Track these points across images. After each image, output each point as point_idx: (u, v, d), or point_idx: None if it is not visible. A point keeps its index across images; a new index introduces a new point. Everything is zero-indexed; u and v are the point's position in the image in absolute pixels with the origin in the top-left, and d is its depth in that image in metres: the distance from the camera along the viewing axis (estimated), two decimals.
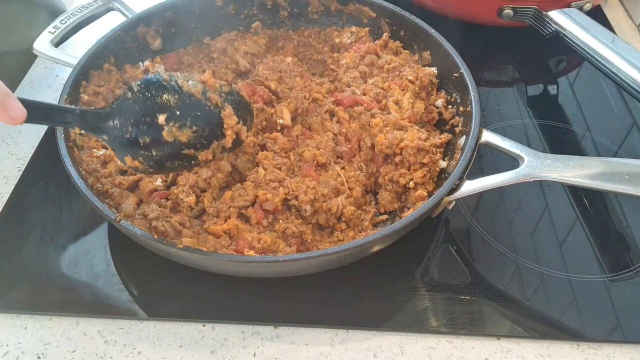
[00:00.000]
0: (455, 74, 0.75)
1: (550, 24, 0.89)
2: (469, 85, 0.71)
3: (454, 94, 0.76)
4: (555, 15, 0.88)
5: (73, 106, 0.53)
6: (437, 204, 0.60)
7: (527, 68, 0.99)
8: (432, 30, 0.80)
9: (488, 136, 0.66)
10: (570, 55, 0.96)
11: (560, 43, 0.87)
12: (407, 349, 0.59)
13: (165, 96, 0.50)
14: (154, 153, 0.51)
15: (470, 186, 0.62)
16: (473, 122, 0.67)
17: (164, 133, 0.50)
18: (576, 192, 0.75)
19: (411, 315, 0.61)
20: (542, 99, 0.93)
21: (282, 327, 0.61)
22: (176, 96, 0.51)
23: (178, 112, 0.51)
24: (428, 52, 0.82)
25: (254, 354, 0.59)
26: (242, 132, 0.55)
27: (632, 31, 1.08)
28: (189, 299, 0.63)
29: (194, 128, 0.51)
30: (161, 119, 0.50)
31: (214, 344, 0.59)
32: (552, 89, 0.95)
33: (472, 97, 0.70)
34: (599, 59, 0.80)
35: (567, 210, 0.73)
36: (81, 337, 0.60)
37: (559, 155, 0.64)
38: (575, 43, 0.84)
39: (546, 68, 1.00)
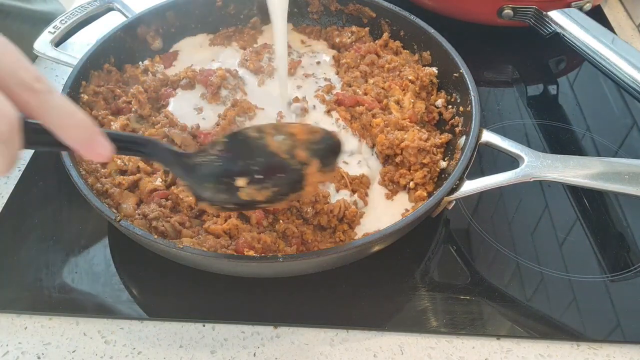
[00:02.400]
0: (455, 74, 0.75)
1: (550, 24, 0.89)
2: (469, 86, 0.71)
3: (454, 94, 0.76)
4: (555, 15, 0.88)
5: (158, 140, 0.51)
6: (437, 204, 0.60)
7: (527, 68, 0.99)
8: (432, 30, 0.80)
9: (488, 136, 0.66)
10: (570, 55, 0.96)
11: (560, 43, 0.87)
12: (407, 349, 0.59)
13: (248, 159, 0.49)
14: (228, 206, 0.51)
15: (470, 186, 0.62)
16: (473, 122, 0.67)
17: (241, 194, 0.49)
18: (576, 192, 0.75)
19: (411, 315, 0.61)
20: (542, 99, 0.93)
21: (282, 327, 0.61)
22: (260, 159, 0.49)
23: (259, 176, 0.49)
24: (428, 52, 0.82)
25: (254, 354, 0.59)
26: (326, 179, 0.52)
27: (632, 31, 1.08)
28: (188, 299, 0.63)
29: (273, 189, 0.49)
30: (240, 182, 0.48)
31: (214, 344, 0.59)
32: (552, 89, 0.95)
33: (472, 97, 0.70)
34: (599, 59, 0.80)
35: (567, 210, 0.73)
36: (81, 337, 0.60)
37: (559, 156, 0.64)
38: (575, 43, 0.84)
39: (546, 68, 1.00)
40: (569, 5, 0.89)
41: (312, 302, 0.63)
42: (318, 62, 0.85)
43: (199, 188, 0.50)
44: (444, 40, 0.78)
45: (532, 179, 0.62)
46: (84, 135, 0.38)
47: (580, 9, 0.90)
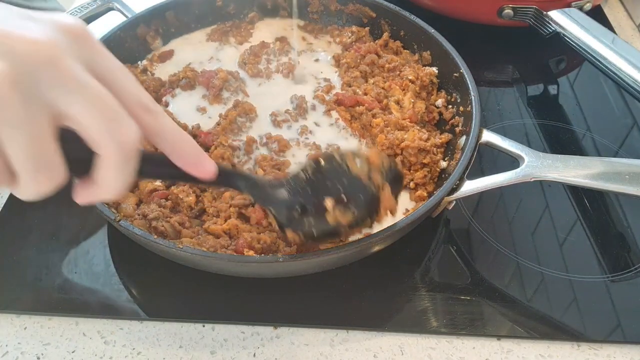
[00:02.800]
0: (455, 74, 0.75)
1: (550, 24, 0.89)
2: (469, 85, 0.71)
3: (454, 94, 0.76)
4: (556, 15, 0.88)
5: (249, 174, 0.55)
6: (437, 204, 0.60)
7: (527, 68, 0.99)
8: (432, 30, 0.80)
9: (488, 136, 0.66)
10: (571, 55, 0.96)
11: (560, 43, 0.87)
12: (407, 349, 0.59)
13: (335, 179, 0.51)
14: (314, 232, 0.51)
15: (470, 186, 0.62)
16: (473, 122, 0.67)
17: (329, 217, 0.50)
18: (576, 192, 0.75)
19: (411, 316, 0.61)
20: (542, 99, 0.93)
21: (282, 327, 0.61)
22: (344, 179, 0.51)
23: (344, 197, 0.50)
24: (428, 52, 0.82)
25: (254, 354, 0.58)
26: (394, 208, 0.54)
27: (632, 31, 1.08)
28: (188, 299, 0.63)
29: (356, 213, 0.51)
30: (328, 203, 0.50)
31: (214, 344, 0.59)
32: (552, 89, 0.95)
33: (473, 97, 0.70)
34: (599, 59, 0.80)
35: (568, 211, 0.73)
36: (81, 338, 0.60)
37: (559, 155, 0.64)
38: (575, 43, 0.84)
39: (546, 68, 1.00)
40: (569, 5, 0.89)
41: (312, 302, 0.63)
42: (317, 60, 0.85)
43: (287, 214, 0.51)
44: (444, 40, 0.78)
45: (532, 179, 0.62)
46: (193, 154, 0.40)
47: (581, 8, 0.90)
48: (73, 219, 0.70)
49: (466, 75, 0.73)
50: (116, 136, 0.34)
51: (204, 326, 0.61)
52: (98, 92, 0.34)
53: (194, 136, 0.70)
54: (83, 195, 0.37)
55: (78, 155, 0.35)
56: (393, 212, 0.53)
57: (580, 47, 0.83)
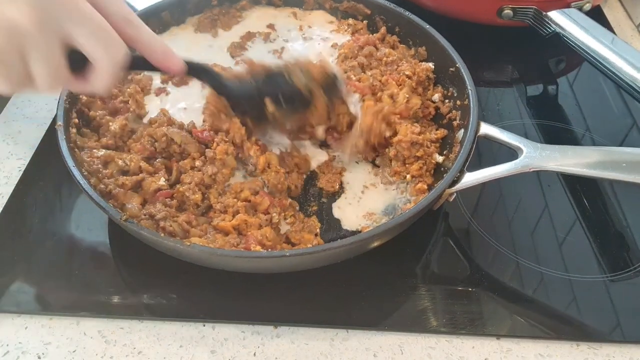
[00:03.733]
0: (451, 69, 0.76)
1: (550, 24, 0.89)
2: (466, 79, 0.72)
3: (450, 89, 0.76)
4: (555, 15, 0.88)
5: (213, 70, 0.67)
6: (438, 196, 0.60)
7: (526, 68, 0.99)
8: (427, 26, 0.81)
9: (486, 129, 0.67)
10: (570, 55, 0.96)
11: (560, 43, 0.87)
12: (406, 348, 0.59)
13: (277, 87, 0.67)
14: (254, 118, 0.69)
15: (470, 177, 0.62)
16: (471, 115, 0.68)
17: (267, 110, 0.67)
18: (576, 192, 0.75)
19: (411, 315, 0.62)
20: (542, 99, 0.93)
21: (282, 327, 0.61)
22: (285, 87, 0.66)
23: (280, 98, 0.66)
24: (424, 48, 0.82)
25: (254, 354, 0.59)
26: (323, 114, 0.70)
27: (632, 31, 1.08)
28: (189, 299, 0.63)
29: (285, 108, 0.67)
30: (267, 101, 0.66)
31: (214, 344, 0.59)
32: (551, 89, 0.95)
33: (469, 91, 0.70)
34: (598, 59, 0.80)
35: (567, 210, 0.73)
36: (81, 337, 0.60)
37: (557, 146, 0.64)
38: (574, 43, 0.84)
39: (546, 68, 1.00)
40: (568, 6, 0.89)
41: (312, 302, 0.63)
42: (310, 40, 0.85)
43: (237, 104, 0.67)
44: (439, 35, 0.79)
45: (531, 169, 0.62)
46: (163, 54, 0.55)
47: (580, 9, 0.90)
48: (73, 219, 0.70)
49: (462, 70, 0.73)
50: (110, 55, 0.49)
51: (204, 325, 0.61)
52: (98, 23, 0.48)
53: (189, 133, 0.70)
54: (79, 88, 0.52)
55: (78, 61, 0.49)
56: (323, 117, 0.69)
57: (580, 47, 0.83)
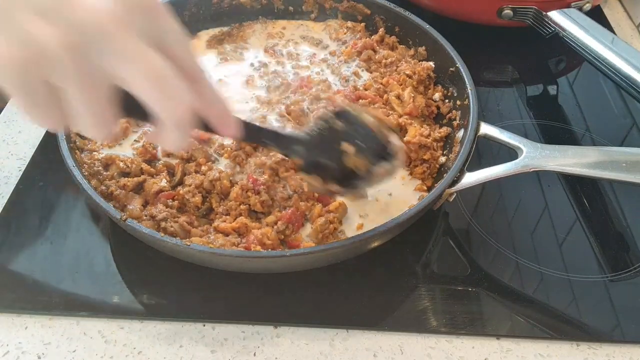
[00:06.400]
0: (451, 69, 0.76)
1: (549, 24, 0.89)
2: (465, 79, 0.72)
3: (450, 88, 0.77)
4: (555, 15, 0.88)
5: (271, 128, 0.59)
6: (439, 196, 0.61)
7: (526, 68, 0.99)
8: (427, 26, 0.81)
9: (486, 129, 0.67)
10: (570, 55, 0.96)
11: (560, 43, 0.87)
12: (406, 348, 0.59)
13: (351, 129, 0.55)
14: (335, 175, 0.56)
15: (470, 178, 0.62)
16: (471, 114, 0.68)
17: (347, 161, 0.55)
18: (576, 193, 0.75)
19: (411, 315, 0.62)
20: (542, 99, 0.93)
21: (282, 327, 0.61)
22: (359, 129, 0.55)
23: (359, 143, 0.55)
24: (423, 47, 0.82)
25: (254, 354, 0.59)
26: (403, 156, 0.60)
27: (632, 31, 1.08)
28: (189, 299, 0.63)
29: (370, 158, 0.55)
30: (348, 147, 0.54)
31: (214, 344, 0.59)
32: (551, 89, 0.95)
33: (469, 91, 0.70)
34: (598, 59, 0.80)
35: (567, 211, 0.73)
36: (81, 337, 0.60)
37: (556, 146, 0.64)
38: (574, 43, 0.84)
39: (546, 68, 1.00)
40: (568, 6, 0.89)
41: (312, 302, 0.63)
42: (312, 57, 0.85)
43: (309, 159, 0.56)
44: (439, 35, 0.79)
45: (531, 169, 0.62)
46: (223, 116, 0.45)
47: (580, 9, 0.90)
48: (73, 219, 0.70)
49: (462, 69, 0.73)
50: (168, 105, 0.38)
51: (204, 325, 0.61)
52: (153, 63, 0.37)
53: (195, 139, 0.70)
54: (155, 140, 0.44)
55: (138, 108, 0.39)
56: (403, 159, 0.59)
57: (580, 47, 0.83)
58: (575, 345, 0.60)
